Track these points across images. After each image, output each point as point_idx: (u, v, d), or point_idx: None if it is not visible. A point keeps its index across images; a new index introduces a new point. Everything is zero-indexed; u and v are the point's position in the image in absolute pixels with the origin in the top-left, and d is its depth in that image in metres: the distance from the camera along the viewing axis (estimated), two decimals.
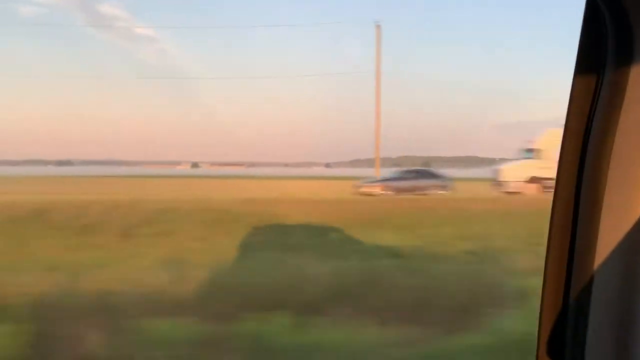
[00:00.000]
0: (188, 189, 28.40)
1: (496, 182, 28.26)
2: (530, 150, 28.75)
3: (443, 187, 26.65)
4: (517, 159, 29.11)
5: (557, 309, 0.94)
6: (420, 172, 28.94)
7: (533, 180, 27.28)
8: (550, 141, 28.48)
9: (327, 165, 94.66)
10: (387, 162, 40.17)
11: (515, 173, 28.10)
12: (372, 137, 35.24)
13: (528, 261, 7.45)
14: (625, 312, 0.86)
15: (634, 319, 0.86)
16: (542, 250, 0.94)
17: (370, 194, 24.96)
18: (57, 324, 5.34)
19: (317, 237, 11.13)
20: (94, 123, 75.80)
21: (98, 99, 72.83)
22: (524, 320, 5.27)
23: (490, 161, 41.29)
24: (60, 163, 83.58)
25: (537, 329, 0.98)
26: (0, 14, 55.94)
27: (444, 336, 5.30)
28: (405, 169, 29.98)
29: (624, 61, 0.85)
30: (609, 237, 0.86)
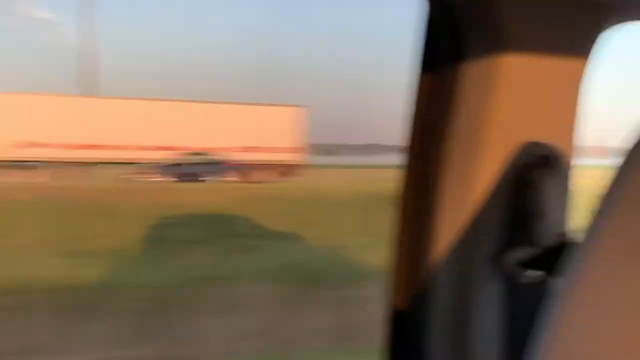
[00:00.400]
0: None
1: None
2: None
3: None
4: None
5: (402, 302, 0.98)
6: None
7: None
8: None
9: None
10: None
11: None
12: None
13: None
14: (463, 299, 0.92)
15: (469, 306, 0.92)
16: None
17: None
18: None
19: None
20: None
21: None
22: None
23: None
24: None
25: (384, 315, 1.02)
26: None
27: None
28: None
29: (458, 59, 0.89)
30: (445, 233, 0.91)
